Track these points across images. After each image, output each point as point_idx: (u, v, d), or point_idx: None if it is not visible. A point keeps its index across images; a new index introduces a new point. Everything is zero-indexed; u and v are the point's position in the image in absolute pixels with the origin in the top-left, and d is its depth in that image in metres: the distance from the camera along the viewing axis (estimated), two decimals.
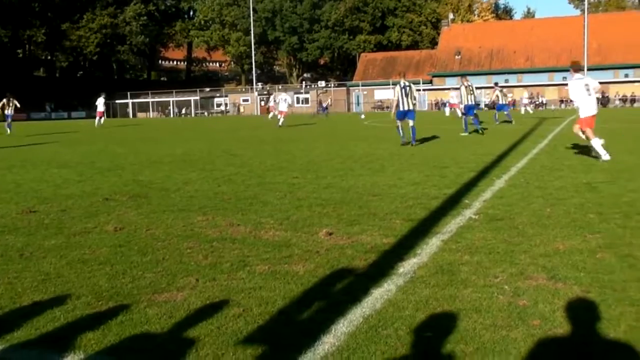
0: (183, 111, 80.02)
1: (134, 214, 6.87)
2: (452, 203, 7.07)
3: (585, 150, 12.38)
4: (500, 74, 69.57)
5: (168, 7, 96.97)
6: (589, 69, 53.39)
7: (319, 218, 6.39)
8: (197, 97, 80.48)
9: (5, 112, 28.61)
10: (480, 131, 19.57)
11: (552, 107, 63.50)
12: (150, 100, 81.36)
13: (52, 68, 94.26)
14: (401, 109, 15.69)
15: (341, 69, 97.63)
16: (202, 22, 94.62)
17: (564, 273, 4.27)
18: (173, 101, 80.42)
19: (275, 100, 39.07)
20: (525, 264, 4.52)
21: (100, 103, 36.34)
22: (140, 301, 3.90)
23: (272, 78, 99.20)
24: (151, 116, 79.14)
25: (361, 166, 11.18)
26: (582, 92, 11.55)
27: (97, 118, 36.80)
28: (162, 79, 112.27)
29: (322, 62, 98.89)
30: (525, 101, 44.33)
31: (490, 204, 6.91)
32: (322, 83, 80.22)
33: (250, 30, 79.78)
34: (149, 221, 6.42)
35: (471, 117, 20.18)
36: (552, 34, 70.87)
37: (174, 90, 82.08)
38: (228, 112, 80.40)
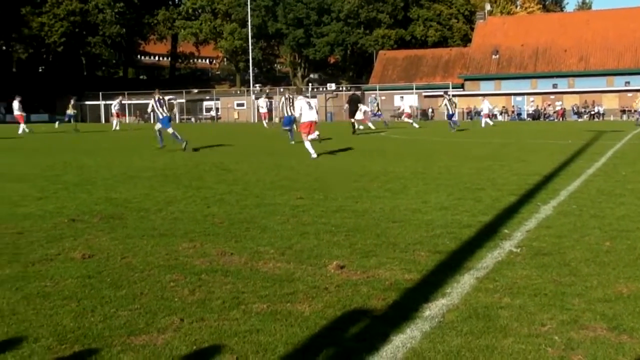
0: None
1: (106, 238, 6.89)
2: (488, 233, 7.07)
3: None
4: (546, 78, 69.71)
5: None
6: None
7: (328, 248, 6.39)
8: (183, 100, 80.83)
9: None
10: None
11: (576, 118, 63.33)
12: (126, 102, 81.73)
13: (8, 61, 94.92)
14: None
15: (355, 69, 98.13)
16: (190, 10, 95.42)
17: (629, 323, 4.24)
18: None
19: (262, 106, 39.66)
20: (580, 310, 4.50)
21: (15, 106, 37.38)
22: (112, 345, 3.90)
23: (272, 79, 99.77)
24: (127, 121, 79.51)
25: (378, 186, 11.20)
26: None
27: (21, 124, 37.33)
28: (141, 77, 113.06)
29: (332, 60, 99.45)
30: (486, 111, 44.34)
31: (534, 235, 6.89)
32: (332, 85, 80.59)
33: (247, 21, 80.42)
34: (124, 248, 6.44)
35: None
36: (612, 29, 70.72)
37: (155, 91, 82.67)
38: (219, 118, 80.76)
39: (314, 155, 17.18)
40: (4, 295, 4.89)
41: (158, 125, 22.01)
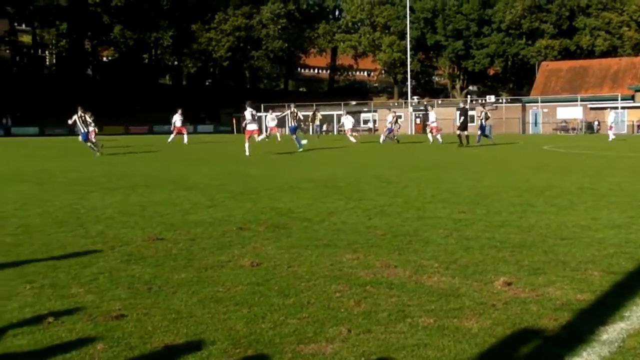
0: (324, 128, 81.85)
1: (272, 247, 7.11)
2: None
3: None
4: None
5: (310, 6, 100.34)
6: None
7: (494, 263, 6.26)
8: (342, 112, 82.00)
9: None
10: None
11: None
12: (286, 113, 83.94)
13: (178, 75, 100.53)
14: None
15: (515, 80, 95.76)
16: (350, 24, 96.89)
17: None
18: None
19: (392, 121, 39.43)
20: None
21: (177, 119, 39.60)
22: (283, 352, 4.01)
23: (430, 91, 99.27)
24: (287, 132, 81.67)
25: (544, 201, 10.83)
26: None
27: (173, 134, 39.64)
28: (300, 89, 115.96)
29: (491, 72, 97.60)
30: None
31: None
32: (491, 97, 78.98)
33: (406, 33, 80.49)
34: (290, 257, 6.61)
35: None
36: None
37: (314, 103, 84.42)
38: (377, 129, 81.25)
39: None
40: (182, 298, 5.16)
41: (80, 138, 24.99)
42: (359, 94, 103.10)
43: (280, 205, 10.58)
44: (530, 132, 72.48)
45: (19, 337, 4.31)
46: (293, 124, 31.56)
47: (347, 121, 41.84)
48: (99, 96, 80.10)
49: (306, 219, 9.10)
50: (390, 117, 40.44)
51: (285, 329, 4.41)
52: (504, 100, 78.09)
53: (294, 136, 30.71)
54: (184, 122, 40.16)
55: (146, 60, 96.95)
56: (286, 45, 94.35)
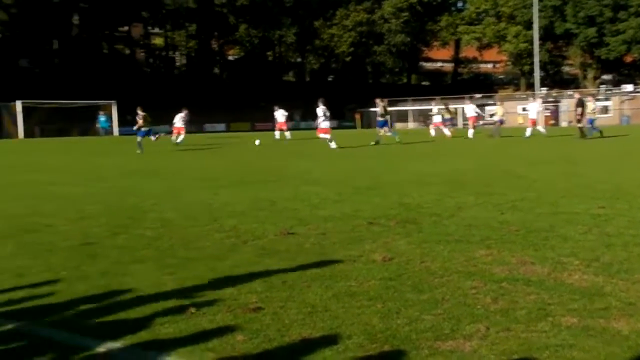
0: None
1: (403, 242, 7.06)
2: None
3: None
4: None
5: None
6: None
7: None
8: (464, 105, 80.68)
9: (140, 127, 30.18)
10: None
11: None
12: (409, 108, 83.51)
13: (301, 72, 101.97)
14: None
15: None
16: (473, 15, 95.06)
17: None
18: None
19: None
20: None
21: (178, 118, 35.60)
22: (420, 347, 3.96)
23: (559, 81, 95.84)
24: (410, 126, 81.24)
25: None
26: None
27: (175, 134, 35.16)
28: (423, 83, 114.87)
29: (628, 59, 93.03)
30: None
31: None
32: (628, 87, 75.39)
33: (534, 22, 78.08)
34: (421, 252, 6.54)
35: None
36: None
37: (437, 97, 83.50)
38: (502, 122, 79.44)
39: None
40: (316, 292, 5.20)
41: None
42: (483, 86, 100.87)
43: (409, 200, 10.50)
44: None
45: (166, 325, 4.48)
46: (382, 119, 31.88)
47: (470, 110, 40.98)
48: (226, 94, 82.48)
49: (435, 214, 8.99)
50: (500, 110, 40.00)
51: (421, 325, 4.36)
52: None
53: (384, 129, 31.44)
54: (186, 123, 36.09)
55: (270, 58, 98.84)
56: (408, 39, 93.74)
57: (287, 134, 39.73)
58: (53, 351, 4.09)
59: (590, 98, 36.17)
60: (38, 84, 66.27)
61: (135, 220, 9.09)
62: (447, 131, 38.28)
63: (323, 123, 28.08)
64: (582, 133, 31.38)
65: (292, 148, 28.63)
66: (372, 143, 30.19)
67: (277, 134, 40.26)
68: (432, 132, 39.36)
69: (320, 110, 27.67)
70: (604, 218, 8.26)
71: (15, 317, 4.77)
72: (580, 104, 32.41)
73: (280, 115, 40.36)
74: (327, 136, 28.06)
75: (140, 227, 8.45)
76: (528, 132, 36.16)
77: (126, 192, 12.77)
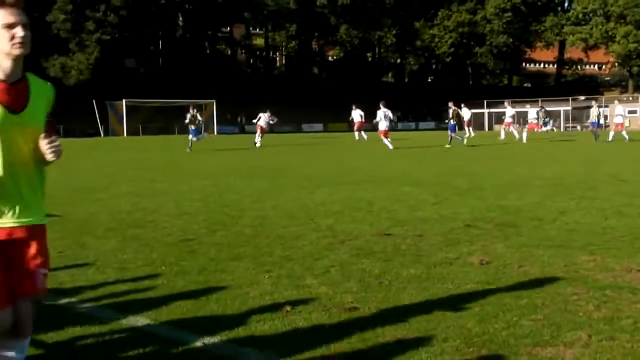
0: (549, 125, 78.76)
1: (501, 245, 6.93)
2: None
3: None
4: None
5: None
6: None
7: None
8: (569, 107, 78.53)
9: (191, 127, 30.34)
10: None
11: None
12: (503, 110, 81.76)
13: (400, 72, 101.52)
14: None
15: None
16: (580, 15, 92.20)
17: None
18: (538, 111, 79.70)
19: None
20: None
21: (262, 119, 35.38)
22: (518, 353, 3.90)
23: None
24: (510, 129, 79.49)
25: None
26: None
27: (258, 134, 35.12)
28: (525, 84, 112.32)
29: None
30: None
31: None
32: None
33: None
34: (520, 256, 6.41)
35: None
36: None
37: (539, 99, 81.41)
38: (607, 125, 76.83)
39: None
40: (412, 293, 5.18)
41: None
42: (588, 88, 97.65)
43: (508, 203, 10.31)
44: None
45: (262, 322, 4.56)
46: (453, 122, 32.17)
47: (509, 111, 41.50)
48: (324, 94, 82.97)
49: (536, 217, 8.79)
50: (596, 111, 39.16)
51: (520, 330, 4.27)
52: None
53: (453, 134, 31.52)
54: (268, 124, 35.85)
55: (370, 59, 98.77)
56: (511, 40, 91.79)
57: (364, 134, 39.41)
58: (153, 344, 4.22)
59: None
60: (142, 84, 68.50)
61: (234, 217, 9.28)
62: (516, 133, 37.89)
63: (381, 124, 28.96)
64: None
65: (386, 149, 28.46)
66: (448, 145, 30.33)
67: (356, 134, 40.13)
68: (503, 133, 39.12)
69: (380, 112, 28.27)
70: None
71: (118, 310, 4.95)
72: None
73: (357, 115, 40.12)
74: (383, 138, 28.75)
75: (238, 225, 8.62)
76: (610, 137, 34.97)
77: (225, 189, 13.04)
